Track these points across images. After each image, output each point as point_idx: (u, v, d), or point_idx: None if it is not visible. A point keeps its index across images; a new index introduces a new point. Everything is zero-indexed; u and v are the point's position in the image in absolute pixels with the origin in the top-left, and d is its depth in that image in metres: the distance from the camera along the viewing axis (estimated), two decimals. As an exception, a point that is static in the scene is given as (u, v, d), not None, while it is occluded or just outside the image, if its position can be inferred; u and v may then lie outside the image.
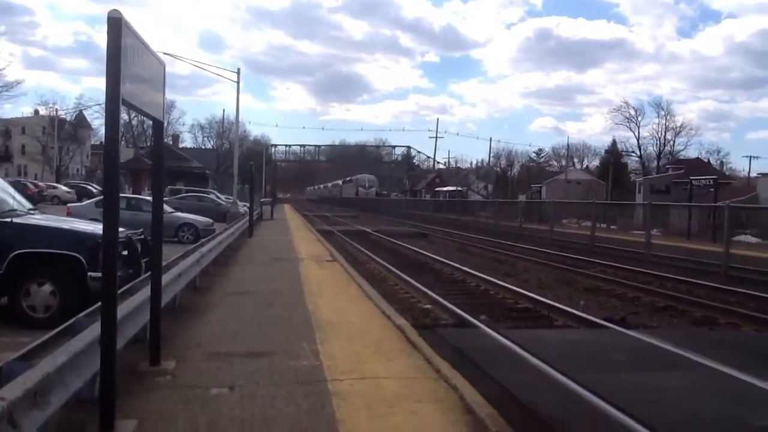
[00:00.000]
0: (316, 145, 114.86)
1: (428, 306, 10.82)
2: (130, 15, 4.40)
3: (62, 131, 76.15)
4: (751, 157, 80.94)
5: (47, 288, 8.20)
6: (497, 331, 8.47)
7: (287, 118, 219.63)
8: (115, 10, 4.40)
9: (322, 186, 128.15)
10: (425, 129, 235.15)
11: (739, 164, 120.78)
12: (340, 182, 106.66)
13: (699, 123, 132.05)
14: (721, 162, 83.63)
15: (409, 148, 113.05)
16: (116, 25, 4.36)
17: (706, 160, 77.64)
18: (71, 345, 4.37)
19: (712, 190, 37.76)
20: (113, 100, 4.39)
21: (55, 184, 53.97)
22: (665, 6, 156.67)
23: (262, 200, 46.40)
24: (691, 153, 79.99)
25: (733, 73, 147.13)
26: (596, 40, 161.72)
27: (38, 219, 9.42)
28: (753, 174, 68.21)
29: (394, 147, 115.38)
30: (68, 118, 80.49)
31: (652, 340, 8.02)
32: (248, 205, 30.91)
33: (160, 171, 6.80)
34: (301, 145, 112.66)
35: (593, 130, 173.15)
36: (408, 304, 10.99)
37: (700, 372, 6.74)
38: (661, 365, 7.15)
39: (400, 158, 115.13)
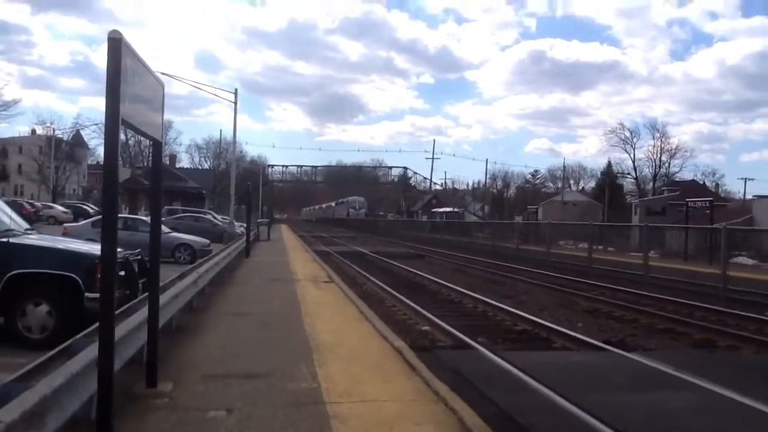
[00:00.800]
0: (312, 166, 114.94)
1: (426, 327, 10.78)
2: (127, 35, 4.42)
3: (59, 151, 76.14)
4: (746, 179, 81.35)
5: (44, 308, 8.14)
6: (496, 353, 8.43)
7: (283, 138, 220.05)
8: (115, 30, 4.42)
9: (317, 207, 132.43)
10: (422, 150, 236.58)
11: (734, 186, 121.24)
12: (333, 204, 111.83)
13: (693, 145, 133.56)
14: (717, 184, 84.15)
15: (405, 169, 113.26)
16: (116, 45, 4.37)
17: (701, 182, 78.00)
18: (68, 366, 4.33)
19: (708, 212, 37.86)
20: (113, 120, 4.39)
21: (51, 204, 53.86)
22: (658, 29, 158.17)
23: (258, 221, 46.35)
24: (687, 175, 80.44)
25: (726, 95, 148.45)
26: (590, 63, 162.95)
27: (35, 239, 9.38)
28: (748, 196, 68.63)
29: (390, 168, 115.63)
30: (65, 138, 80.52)
31: (652, 363, 7.99)
32: (245, 225, 30.89)
33: (159, 191, 6.79)
34: (298, 166, 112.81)
35: (588, 151, 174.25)
36: (406, 326, 10.95)
37: (699, 394, 6.71)
38: (661, 387, 7.11)
39: (396, 179, 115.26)
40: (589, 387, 7.02)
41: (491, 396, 6.43)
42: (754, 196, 57.92)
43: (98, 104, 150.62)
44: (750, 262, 26.52)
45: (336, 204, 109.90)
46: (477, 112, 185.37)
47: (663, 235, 31.70)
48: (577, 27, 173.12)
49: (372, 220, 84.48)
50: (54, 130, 76.89)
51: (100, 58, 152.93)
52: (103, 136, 4.87)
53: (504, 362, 7.86)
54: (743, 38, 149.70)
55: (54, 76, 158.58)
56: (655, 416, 6.03)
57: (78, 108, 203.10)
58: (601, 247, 31.30)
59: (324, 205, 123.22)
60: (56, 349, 4.90)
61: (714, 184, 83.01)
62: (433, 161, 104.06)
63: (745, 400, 6.30)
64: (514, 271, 22.77)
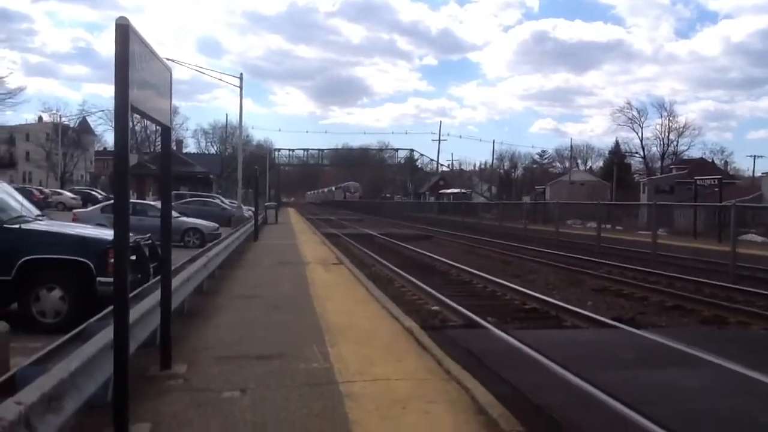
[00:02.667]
0: (319, 149, 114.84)
1: (436, 308, 10.82)
2: (131, 20, 4.41)
3: (66, 137, 76.25)
4: (755, 156, 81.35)
5: (56, 293, 8.22)
6: (506, 332, 8.47)
7: (287, 122, 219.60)
8: (122, 17, 4.41)
9: (318, 191, 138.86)
10: (427, 132, 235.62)
11: (743, 164, 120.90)
12: (333, 188, 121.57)
13: (700, 123, 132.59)
14: (725, 162, 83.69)
15: (412, 150, 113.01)
16: (124, 32, 4.37)
17: (710, 160, 77.57)
18: (84, 350, 4.38)
19: (716, 189, 37.64)
20: (122, 106, 4.40)
21: (59, 191, 54.10)
22: (662, 7, 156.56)
23: (266, 204, 46.42)
24: (695, 153, 79.99)
25: (732, 73, 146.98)
26: (594, 42, 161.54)
27: (46, 225, 9.44)
28: (757, 173, 68.17)
29: (396, 150, 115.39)
30: (72, 125, 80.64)
31: (662, 339, 8.01)
32: (253, 209, 30.96)
33: (169, 176, 6.83)
34: (304, 149, 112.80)
35: (594, 131, 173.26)
36: (416, 306, 10.99)
37: (710, 370, 6.74)
38: (672, 364, 7.13)
39: (403, 161, 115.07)
40: (600, 364, 7.04)
41: (503, 374, 6.46)
42: (763, 173, 57.51)
43: (102, 90, 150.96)
44: (759, 239, 26.42)
45: (335, 188, 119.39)
46: (481, 93, 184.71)
47: (672, 213, 31.61)
48: (580, 6, 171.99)
49: (380, 202, 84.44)
50: (60, 117, 77.03)
51: (102, 45, 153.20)
52: (109, 123, 4.95)
53: (515, 340, 7.89)
54: (748, 15, 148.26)
55: (56, 63, 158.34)
56: (667, 392, 6.05)
57: (81, 95, 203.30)
58: (609, 226, 31.25)
59: (325, 189, 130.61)
60: (71, 333, 4.96)
61: (722, 161, 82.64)
62: (439, 143, 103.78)
63: (756, 376, 6.32)
64: (523, 250, 22.78)
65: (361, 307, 10.01)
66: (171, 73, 6.02)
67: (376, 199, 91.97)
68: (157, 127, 6.30)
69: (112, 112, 4.52)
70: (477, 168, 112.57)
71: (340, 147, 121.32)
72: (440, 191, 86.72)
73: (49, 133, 78.44)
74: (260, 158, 78.62)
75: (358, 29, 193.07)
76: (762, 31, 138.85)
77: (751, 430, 5.19)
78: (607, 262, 18.66)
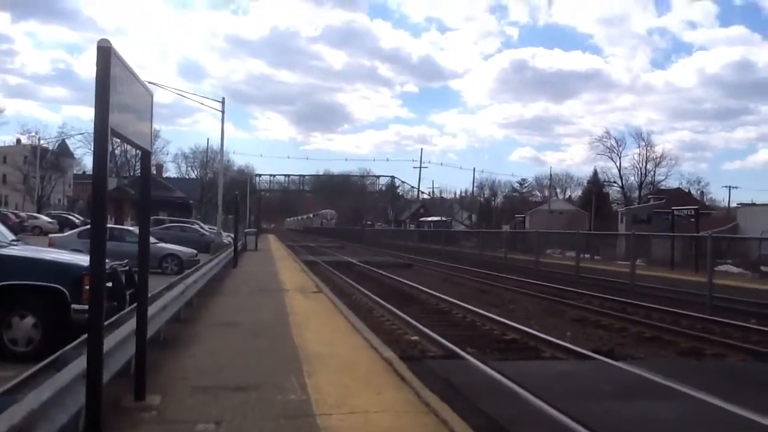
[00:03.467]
0: (300, 175, 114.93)
1: (415, 338, 10.78)
2: (112, 43, 4.40)
3: (44, 160, 75.56)
4: (730, 187, 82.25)
5: (29, 320, 8.04)
6: (485, 363, 8.44)
7: (268, 147, 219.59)
8: (104, 39, 4.40)
9: (297, 218, 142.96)
10: (409, 159, 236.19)
11: (718, 194, 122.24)
12: (311, 215, 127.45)
13: (677, 153, 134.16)
14: (702, 192, 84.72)
15: (393, 178, 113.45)
16: (105, 54, 4.35)
17: (686, 190, 78.57)
18: (56, 379, 4.29)
19: (693, 220, 38.12)
20: (102, 129, 4.36)
21: (36, 215, 53.35)
22: (638, 37, 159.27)
23: (246, 230, 46.20)
24: (672, 183, 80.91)
25: (707, 104, 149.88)
26: (572, 71, 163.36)
27: (20, 250, 9.28)
28: (733, 204, 69.28)
29: (378, 177, 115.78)
30: (51, 147, 79.93)
31: (640, 372, 8.03)
32: (233, 235, 30.77)
33: (148, 201, 6.75)
34: (285, 175, 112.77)
35: (573, 160, 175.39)
36: (395, 336, 10.94)
37: (687, 403, 6.75)
38: (650, 396, 7.14)
39: (384, 188, 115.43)
40: (579, 396, 7.03)
41: (482, 406, 6.43)
42: (738, 203, 58.54)
43: (82, 113, 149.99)
44: (735, 270, 26.72)
45: (313, 216, 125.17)
46: (462, 120, 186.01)
47: (649, 243, 31.90)
48: (559, 35, 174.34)
49: (360, 230, 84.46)
50: (39, 140, 76.36)
51: (82, 67, 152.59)
52: (89, 146, 4.90)
53: (494, 372, 7.87)
54: (722, 47, 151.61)
55: (36, 85, 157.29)
56: (645, 425, 6.06)
57: (61, 117, 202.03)
58: (588, 255, 31.47)
59: (304, 216, 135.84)
60: (44, 362, 4.84)
61: (699, 192, 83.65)
62: (420, 170, 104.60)
63: (733, 409, 6.34)
64: (502, 280, 22.83)
65: (341, 336, 9.93)
66: (152, 97, 6.00)
67: (357, 227, 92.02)
68: (137, 151, 6.28)
69: (92, 135, 4.47)
70: (457, 195, 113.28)
71: (321, 173, 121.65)
72: (421, 219, 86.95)
73: (27, 155, 77.69)
74: (241, 183, 78.31)
75: (339, 55, 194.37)
76: (735, 62, 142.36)
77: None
78: (586, 292, 18.75)
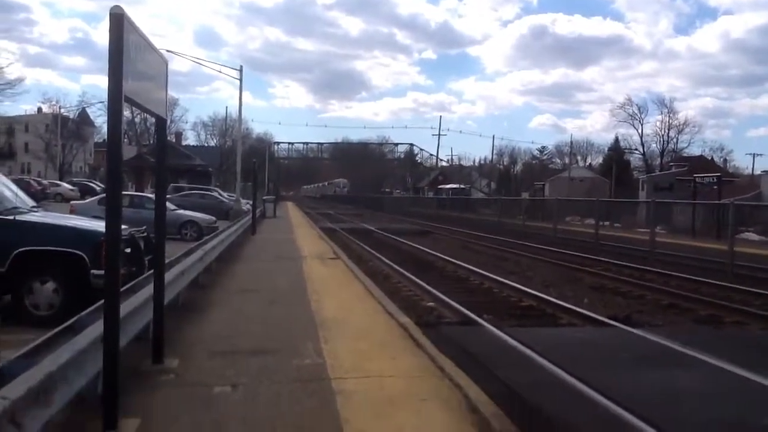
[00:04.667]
0: (318, 143, 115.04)
1: (432, 304, 10.79)
2: (127, 11, 4.36)
3: (65, 129, 76.11)
4: (754, 154, 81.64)
5: (50, 286, 8.17)
6: (501, 330, 8.43)
7: (286, 115, 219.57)
8: (117, 6, 4.36)
9: (312, 186, 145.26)
10: (427, 126, 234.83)
11: (742, 162, 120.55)
12: (326, 183, 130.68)
13: (700, 120, 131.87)
14: (725, 159, 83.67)
15: (411, 145, 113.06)
16: (118, 21, 4.32)
17: (709, 158, 77.46)
18: (74, 343, 4.34)
19: (715, 187, 37.65)
20: (115, 97, 4.35)
21: (58, 182, 53.95)
22: (661, 3, 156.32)
23: (264, 198, 46.34)
24: (695, 150, 79.82)
25: (731, 70, 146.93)
26: (593, 37, 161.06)
27: (41, 217, 9.39)
28: (756, 171, 68.20)
29: (396, 145, 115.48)
30: (71, 116, 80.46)
31: (658, 339, 7.98)
32: (251, 202, 30.91)
33: (164, 168, 6.77)
34: (303, 143, 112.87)
35: (593, 127, 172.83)
36: (412, 302, 10.96)
37: (706, 370, 6.70)
38: (668, 364, 7.10)
39: (402, 156, 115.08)
40: (595, 364, 7.01)
41: (497, 372, 6.43)
42: (762, 171, 57.58)
43: (101, 82, 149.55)
44: (757, 237, 26.40)
45: (327, 184, 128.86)
46: (480, 88, 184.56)
47: (670, 211, 31.52)
48: (580, 1, 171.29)
49: (379, 197, 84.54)
50: (60, 108, 76.85)
51: (100, 35, 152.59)
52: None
53: (510, 338, 7.86)
54: (747, 12, 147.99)
55: (55, 54, 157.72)
56: (662, 393, 6.02)
57: (80, 86, 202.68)
58: (608, 223, 31.22)
59: (319, 185, 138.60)
60: (62, 326, 4.91)
61: (722, 159, 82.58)
62: (439, 138, 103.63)
63: (751, 377, 6.29)
64: (521, 247, 22.74)
65: (357, 302, 9.98)
66: (167, 65, 5.97)
67: (375, 194, 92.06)
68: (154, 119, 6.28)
69: (110, 103, 4.46)
70: (476, 163, 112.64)
71: (339, 141, 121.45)
72: (439, 186, 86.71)
73: (48, 124, 78.36)
74: (260, 151, 78.54)
75: (356, 22, 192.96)
76: (761, 27, 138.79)
77: (744, 430, 5.15)
78: (604, 259, 18.63)
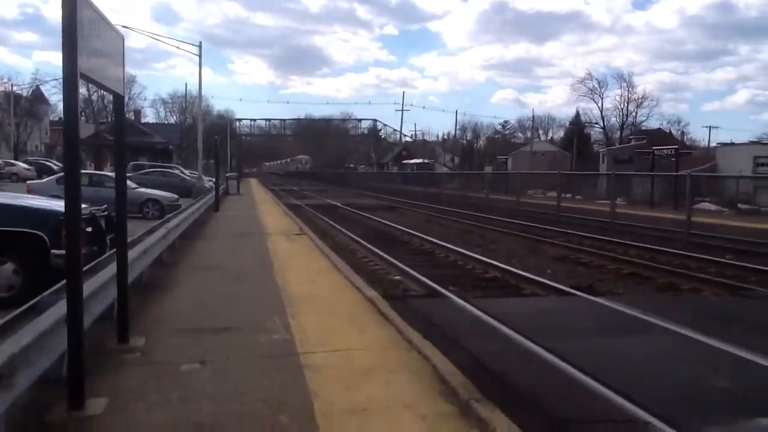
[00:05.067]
0: (281, 119, 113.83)
1: (398, 277, 10.86)
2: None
3: (19, 107, 73.88)
4: (710, 127, 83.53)
5: (9, 267, 7.99)
6: (467, 301, 8.55)
7: (247, 91, 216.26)
8: (70, -20, 4.23)
9: (275, 163, 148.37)
10: (390, 102, 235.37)
11: (698, 134, 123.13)
12: (289, 160, 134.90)
13: (657, 95, 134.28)
14: (682, 132, 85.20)
15: (375, 121, 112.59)
16: (71, -4, 4.20)
17: (667, 131, 78.90)
18: (36, 324, 4.27)
19: (673, 159, 38.35)
20: (71, 74, 4.25)
21: (13, 161, 52.47)
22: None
23: (227, 175, 45.80)
24: (653, 124, 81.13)
25: (688, 45, 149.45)
26: (553, 12, 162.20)
27: (-3, 197, 9.15)
28: (713, 144, 69.70)
29: (360, 120, 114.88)
30: (24, 94, 78.09)
31: (619, 307, 8.18)
32: (214, 179, 30.54)
33: (123, 146, 6.66)
34: (266, 119, 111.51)
35: (554, 102, 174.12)
36: (378, 276, 11.01)
37: (666, 336, 6.90)
38: (628, 331, 7.29)
39: (366, 132, 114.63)
40: (559, 332, 7.15)
41: (464, 343, 6.52)
42: (718, 143, 58.86)
43: (54, 59, 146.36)
44: (713, 207, 27.08)
45: (290, 161, 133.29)
46: (443, 63, 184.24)
47: (630, 182, 32.10)
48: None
49: (343, 173, 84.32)
50: (12, 86, 74.43)
51: (51, 11, 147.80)
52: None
53: (475, 309, 7.97)
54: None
55: (5, 30, 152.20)
56: (624, 359, 6.19)
57: (33, 63, 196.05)
58: (569, 195, 31.66)
59: (281, 161, 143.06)
60: (23, 307, 4.82)
61: (680, 132, 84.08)
62: (402, 113, 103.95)
63: (708, 341, 6.51)
64: (485, 220, 22.96)
65: (323, 277, 9.99)
66: (124, 41, 5.84)
67: (340, 170, 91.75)
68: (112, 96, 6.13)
69: (65, 80, 4.35)
70: (440, 138, 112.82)
71: (302, 117, 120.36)
72: (403, 161, 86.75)
73: (0, 102, 75.92)
74: (221, 128, 77.37)
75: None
76: (716, 3, 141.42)
77: (703, 392, 5.33)
78: (566, 231, 18.93)
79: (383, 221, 21.84)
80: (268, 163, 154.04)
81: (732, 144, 50.95)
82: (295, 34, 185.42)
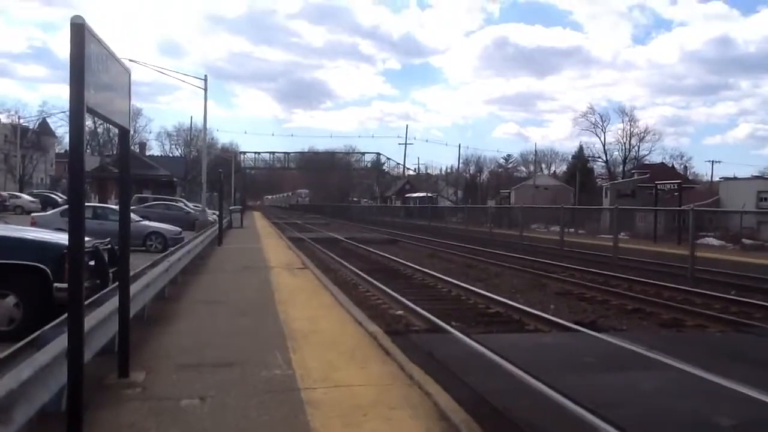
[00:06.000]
0: (285, 152, 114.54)
1: (400, 312, 10.82)
2: (88, 21, 4.31)
3: (25, 139, 74.56)
4: (713, 161, 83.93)
5: (11, 300, 7.98)
6: (469, 336, 8.50)
7: (250, 125, 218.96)
8: (78, 16, 4.30)
9: (276, 196, 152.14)
10: (394, 135, 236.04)
11: (701, 168, 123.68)
12: (289, 194, 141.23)
13: (660, 128, 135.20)
14: (685, 166, 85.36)
15: (378, 154, 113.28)
16: (79, 31, 4.26)
17: (670, 165, 79.08)
18: (36, 359, 4.26)
19: (676, 194, 38.45)
20: (77, 108, 4.30)
21: (18, 194, 52.79)
22: (619, 14, 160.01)
23: (231, 208, 45.97)
24: (656, 158, 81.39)
25: (688, 79, 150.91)
26: (554, 48, 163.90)
27: (2, 229, 9.20)
28: (715, 178, 69.89)
29: (363, 154, 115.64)
30: (31, 126, 78.83)
31: (623, 343, 8.12)
32: (217, 213, 30.63)
33: (128, 179, 6.69)
34: (270, 152, 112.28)
35: (557, 135, 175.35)
36: (380, 311, 10.98)
37: (669, 373, 6.84)
38: (632, 367, 7.23)
39: (369, 165, 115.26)
40: (562, 368, 7.10)
41: (466, 379, 6.48)
42: (720, 178, 59.05)
43: (62, 92, 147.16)
44: (716, 242, 27.05)
45: (291, 194, 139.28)
46: (445, 97, 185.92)
47: (633, 217, 32.19)
48: (540, 11, 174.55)
49: (346, 206, 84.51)
50: (19, 118, 75.23)
51: (58, 44, 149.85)
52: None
53: (478, 345, 7.92)
54: (701, 23, 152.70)
55: (11, 63, 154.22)
56: (627, 395, 6.14)
57: (39, 95, 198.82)
58: (572, 230, 31.69)
59: (282, 195, 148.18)
60: (24, 341, 4.82)
61: (682, 166, 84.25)
62: (406, 146, 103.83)
63: (713, 378, 6.45)
64: (487, 254, 22.94)
65: (326, 312, 9.95)
66: (130, 75, 5.91)
67: (343, 203, 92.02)
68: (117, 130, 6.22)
69: (71, 113, 4.41)
70: (443, 172, 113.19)
71: (306, 150, 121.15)
72: (406, 195, 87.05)
73: (7, 134, 76.56)
74: (226, 161, 77.83)
75: (319, 31, 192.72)
76: (716, 39, 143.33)
77: (705, 429, 5.27)
78: (569, 265, 18.89)
79: (386, 255, 21.83)
80: (268, 197, 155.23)
81: (735, 179, 51.16)
82: (298, 68, 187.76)
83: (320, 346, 7.43)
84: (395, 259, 20.40)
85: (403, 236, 35.01)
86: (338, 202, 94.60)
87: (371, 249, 24.68)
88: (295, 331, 8.23)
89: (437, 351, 7.73)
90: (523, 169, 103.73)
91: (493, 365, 7.11)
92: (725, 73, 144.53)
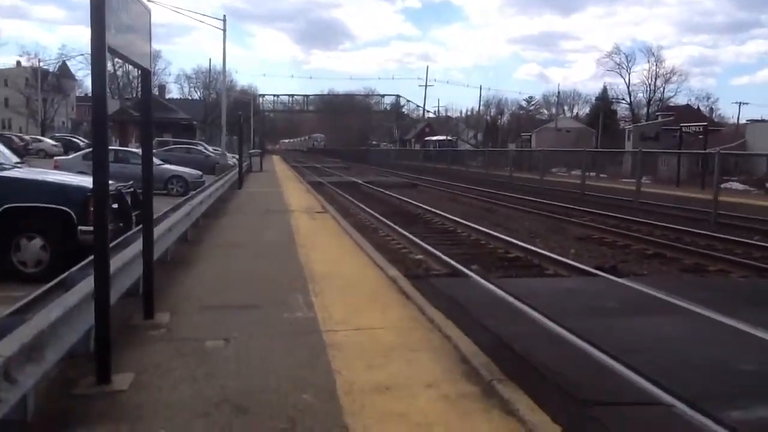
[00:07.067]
0: (304, 95, 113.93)
1: (420, 256, 10.86)
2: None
3: (46, 83, 74.61)
4: (740, 103, 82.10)
5: (37, 242, 8.12)
6: (489, 281, 8.53)
7: (268, 66, 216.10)
8: (96, -45, 4.23)
9: (293, 140, 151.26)
10: (414, 77, 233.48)
11: (728, 110, 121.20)
12: (306, 138, 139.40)
13: (685, 69, 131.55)
14: (711, 108, 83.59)
15: (398, 97, 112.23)
16: (99, -30, 4.19)
17: (695, 107, 77.43)
18: (65, 299, 4.35)
19: (701, 137, 37.75)
20: (99, 49, 4.27)
21: (40, 138, 53.15)
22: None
23: (251, 151, 45.97)
24: (681, 99, 79.66)
25: (717, 16, 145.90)
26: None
27: (26, 173, 9.28)
28: (742, 120, 68.39)
29: (383, 96, 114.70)
30: (51, 69, 78.78)
31: (643, 288, 8.11)
32: (237, 156, 30.67)
33: (149, 122, 6.69)
34: (289, 95, 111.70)
35: (579, 76, 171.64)
36: (400, 255, 11.02)
37: (690, 318, 6.84)
38: (652, 312, 7.23)
39: (389, 107, 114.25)
40: (582, 313, 7.12)
41: (485, 323, 6.52)
42: (747, 120, 57.76)
43: (78, 34, 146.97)
44: (740, 186, 26.64)
45: (306, 138, 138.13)
46: (466, 36, 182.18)
47: (656, 160, 31.66)
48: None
49: (366, 150, 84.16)
50: (39, 62, 75.11)
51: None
52: (89, 67, 4.73)
53: (498, 289, 7.96)
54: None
55: (29, 5, 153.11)
56: (647, 341, 6.15)
57: (58, 38, 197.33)
58: (594, 173, 31.35)
59: (298, 139, 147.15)
60: (52, 283, 4.92)
61: (708, 108, 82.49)
62: (426, 89, 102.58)
63: (734, 324, 6.43)
64: (507, 199, 22.83)
65: (346, 256, 10.02)
66: (150, 14, 5.83)
67: (362, 147, 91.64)
68: (139, 72, 6.16)
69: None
70: (463, 114, 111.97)
71: (325, 92, 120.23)
72: (426, 138, 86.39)
73: (28, 78, 76.64)
74: (245, 104, 77.49)
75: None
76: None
77: (727, 375, 5.28)
78: (590, 210, 18.76)
79: (405, 199, 21.81)
80: (284, 140, 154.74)
81: (763, 120, 50.00)
82: (316, 6, 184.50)
83: (341, 290, 7.50)
84: (414, 203, 20.38)
85: (422, 180, 34.90)
86: (357, 146, 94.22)
87: (390, 193, 24.66)
88: (315, 274, 8.31)
89: (457, 295, 7.76)
90: (545, 111, 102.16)
91: (513, 309, 7.14)
92: (757, 8, 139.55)
